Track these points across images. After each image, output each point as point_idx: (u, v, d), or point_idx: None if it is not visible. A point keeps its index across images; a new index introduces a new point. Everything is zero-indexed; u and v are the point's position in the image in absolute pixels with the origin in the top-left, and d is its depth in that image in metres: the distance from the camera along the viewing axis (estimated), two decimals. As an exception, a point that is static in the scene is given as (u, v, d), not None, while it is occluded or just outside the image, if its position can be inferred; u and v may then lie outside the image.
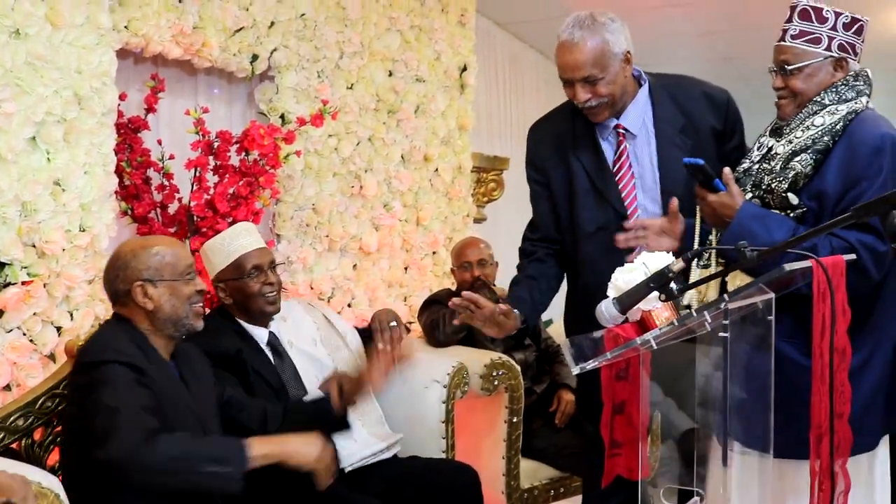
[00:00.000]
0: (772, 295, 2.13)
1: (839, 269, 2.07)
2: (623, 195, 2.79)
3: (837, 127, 2.37)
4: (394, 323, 3.16)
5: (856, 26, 2.39)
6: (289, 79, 4.03)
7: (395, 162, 4.66)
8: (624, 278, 2.13)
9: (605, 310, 2.07)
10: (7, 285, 2.83)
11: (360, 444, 3.04)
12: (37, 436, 2.47)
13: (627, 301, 2.03)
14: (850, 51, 2.41)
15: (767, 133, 2.57)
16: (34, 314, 2.90)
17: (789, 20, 2.42)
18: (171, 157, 3.51)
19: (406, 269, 4.79)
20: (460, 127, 5.13)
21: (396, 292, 4.72)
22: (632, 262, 2.24)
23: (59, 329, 2.98)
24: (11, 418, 2.38)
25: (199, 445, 2.27)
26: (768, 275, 2.04)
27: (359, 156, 4.42)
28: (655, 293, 2.01)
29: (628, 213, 2.77)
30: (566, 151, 2.86)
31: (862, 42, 2.43)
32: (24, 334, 2.89)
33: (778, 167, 2.41)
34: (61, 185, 2.97)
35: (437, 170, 4.95)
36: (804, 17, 2.39)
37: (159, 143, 3.52)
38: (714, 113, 2.82)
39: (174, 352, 2.51)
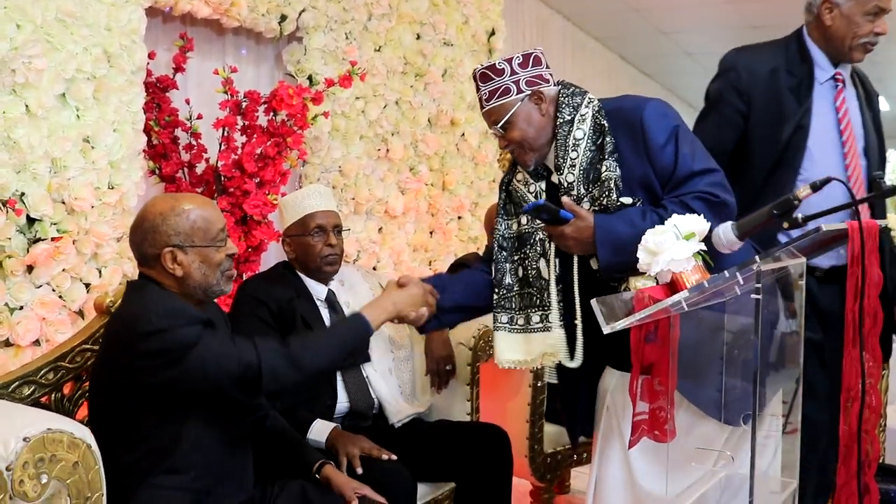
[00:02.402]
0: (803, 259, 2.12)
1: (873, 232, 2.05)
2: (846, 150, 2.88)
3: (601, 123, 2.42)
4: (448, 367, 3.27)
5: (531, 60, 2.47)
6: (317, 40, 4.01)
7: (422, 126, 4.65)
8: (654, 240, 2.10)
9: (723, 234, 2.09)
10: (37, 241, 2.85)
11: (404, 405, 3.12)
12: (66, 390, 2.48)
13: (747, 226, 2.05)
14: (539, 81, 2.47)
15: (525, 182, 2.58)
16: (63, 270, 2.92)
17: (478, 90, 2.50)
18: (199, 117, 3.51)
19: (431, 233, 4.79)
20: (488, 91, 5.10)
21: (421, 256, 4.73)
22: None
23: (87, 286, 3.01)
24: (41, 372, 2.39)
25: (333, 341, 2.35)
26: (798, 239, 2.03)
27: (386, 119, 4.42)
28: (687, 254, 2.00)
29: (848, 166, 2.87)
30: (781, 91, 2.91)
31: (545, 68, 2.49)
32: (54, 290, 2.92)
33: (584, 189, 2.43)
34: (90, 142, 2.98)
35: (463, 134, 4.94)
36: (486, 80, 2.46)
37: (187, 102, 3.52)
38: (876, 95, 3.03)
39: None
